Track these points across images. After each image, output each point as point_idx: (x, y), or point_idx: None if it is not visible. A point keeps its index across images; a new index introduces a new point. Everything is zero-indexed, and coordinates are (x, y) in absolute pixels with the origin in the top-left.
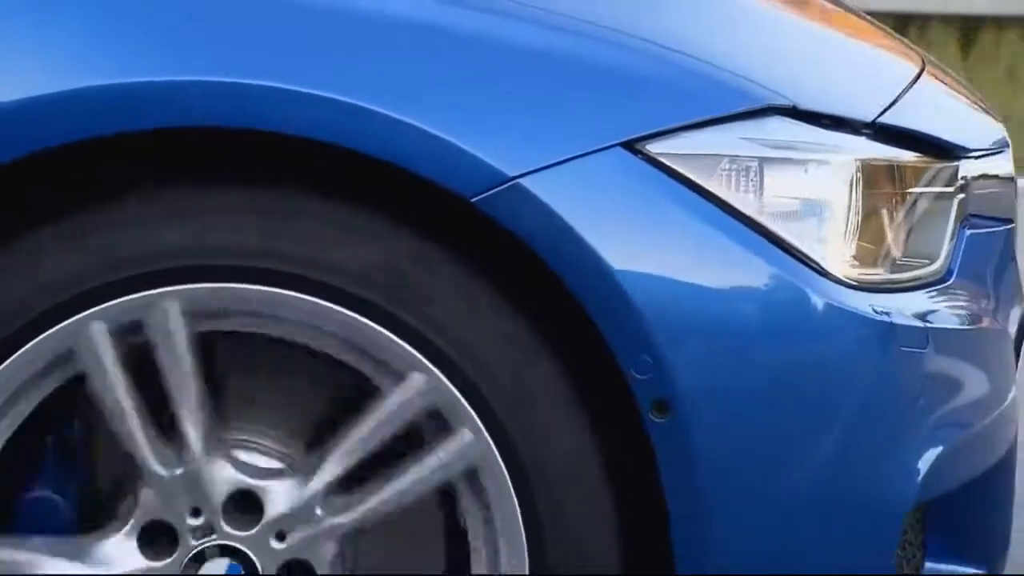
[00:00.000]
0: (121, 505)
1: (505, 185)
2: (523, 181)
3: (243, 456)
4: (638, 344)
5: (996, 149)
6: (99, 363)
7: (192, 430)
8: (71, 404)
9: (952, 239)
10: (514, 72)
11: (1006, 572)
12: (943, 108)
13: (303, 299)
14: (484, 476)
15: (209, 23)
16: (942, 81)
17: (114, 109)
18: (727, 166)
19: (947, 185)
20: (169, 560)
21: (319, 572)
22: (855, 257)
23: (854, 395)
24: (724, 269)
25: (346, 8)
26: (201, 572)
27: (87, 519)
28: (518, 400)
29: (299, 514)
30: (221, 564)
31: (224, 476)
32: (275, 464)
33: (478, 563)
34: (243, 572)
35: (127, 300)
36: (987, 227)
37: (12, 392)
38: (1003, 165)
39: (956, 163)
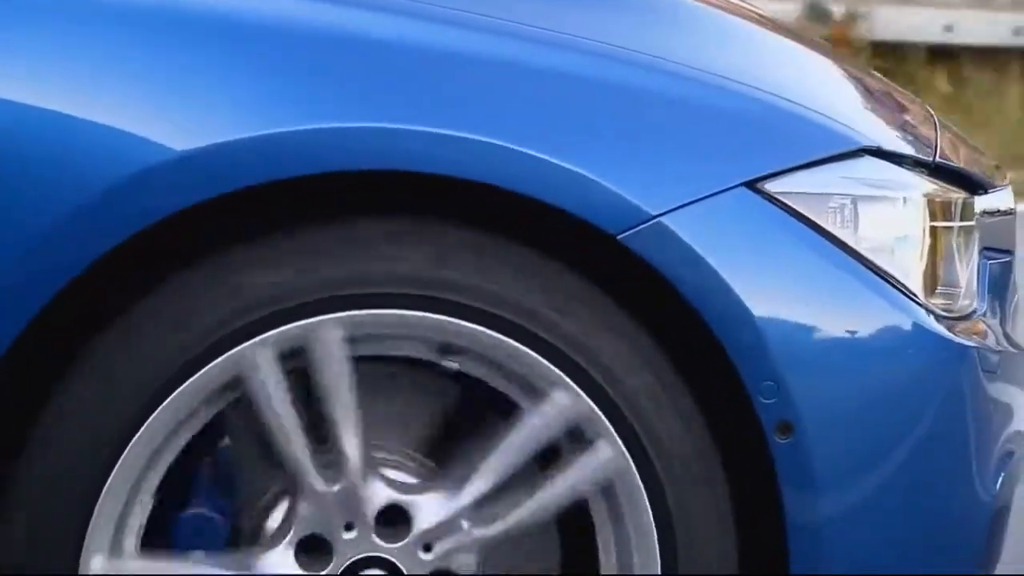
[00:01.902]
0: (277, 520)
1: (649, 223)
2: (664, 219)
3: (391, 473)
4: (763, 370)
5: (1002, 186)
6: (266, 389)
7: (351, 449)
8: (221, 426)
9: (978, 270)
10: (650, 117)
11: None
12: (960, 149)
13: (467, 327)
14: (619, 489)
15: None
16: (946, 126)
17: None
18: (832, 203)
19: (973, 219)
20: (325, 572)
21: None
22: (927, 287)
23: (951, 416)
24: (838, 300)
25: (513, 61)
26: None
27: (241, 535)
28: (654, 424)
29: (446, 526)
30: (374, 573)
31: (376, 492)
32: (418, 480)
33: (608, 566)
34: None
35: (292, 327)
36: (997, 258)
37: (186, 414)
38: (1006, 200)
39: (980, 198)
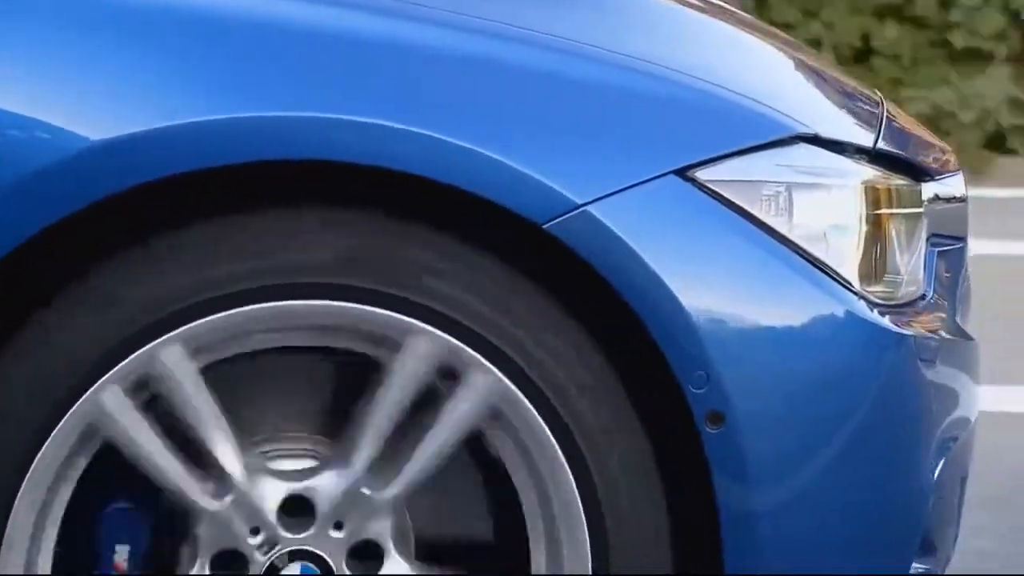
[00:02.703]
0: (186, 545)
1: (575, 212)
2: (590, 208)
3: (280, 465)
4: (694, 360)
5: (951, 173)
6: (121, 425)
7: (228, 460)
8: None
9: (925, 257)
10: (577, 105)
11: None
12: (907, 136)
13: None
14: (543, 469)
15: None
16: (897, 115)
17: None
18: (765, 191)
19: (920, 206)
20: (291, 535)
21: (385, 547)
22: (864, 275)
23: (885, 404)
24: (769, 288)
25: (435, 48)
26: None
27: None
28: (581, 410)
29: (348, 500)
30: (295, 568)
31: (269, 490)
32: (310, 463)
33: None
34: (318, 571)
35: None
36: (947, 245)
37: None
38: (957, 187)
39: (928, 185)
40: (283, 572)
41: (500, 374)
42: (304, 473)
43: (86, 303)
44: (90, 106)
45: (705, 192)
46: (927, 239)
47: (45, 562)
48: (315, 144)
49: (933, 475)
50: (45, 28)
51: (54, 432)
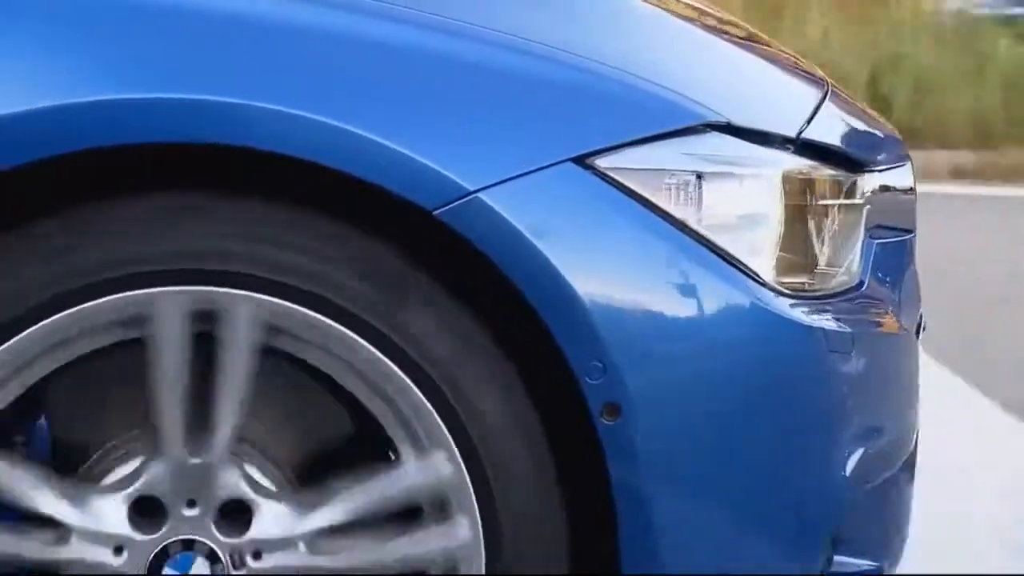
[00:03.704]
0: (123, 468)
1: (465, 199)
2: (482, 195)
3: (250, 470)
4: (590, 351)
5: (898, 163)
6: (165, 340)
7: (223, 428)
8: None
9: (862, 249)
10: (473, 90)
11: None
12: (849, 125)
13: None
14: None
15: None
16: (845, 101)
17: None
18: (670, 180)
19: (857, 197)
20: (151, 537)
21: (249, 498)
22: (782, 266)
23: (789, 397)
24: (670, 279)
25: (319, 29)
26: (176, 558)
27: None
28: (476, 417)
29: (283, 542)
30: (195, 560)
31: (230, 481)
32: (273, 487)
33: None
34: (195, 553)
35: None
36: (890, 237)
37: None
38: (904, 178)
39: (864, 176)
40: (183, 554)
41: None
42: (134, 474)
43: None
44: None
45: (605, 180)
46: (867, 230)
47: None
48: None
49: (844, 470)
50: None
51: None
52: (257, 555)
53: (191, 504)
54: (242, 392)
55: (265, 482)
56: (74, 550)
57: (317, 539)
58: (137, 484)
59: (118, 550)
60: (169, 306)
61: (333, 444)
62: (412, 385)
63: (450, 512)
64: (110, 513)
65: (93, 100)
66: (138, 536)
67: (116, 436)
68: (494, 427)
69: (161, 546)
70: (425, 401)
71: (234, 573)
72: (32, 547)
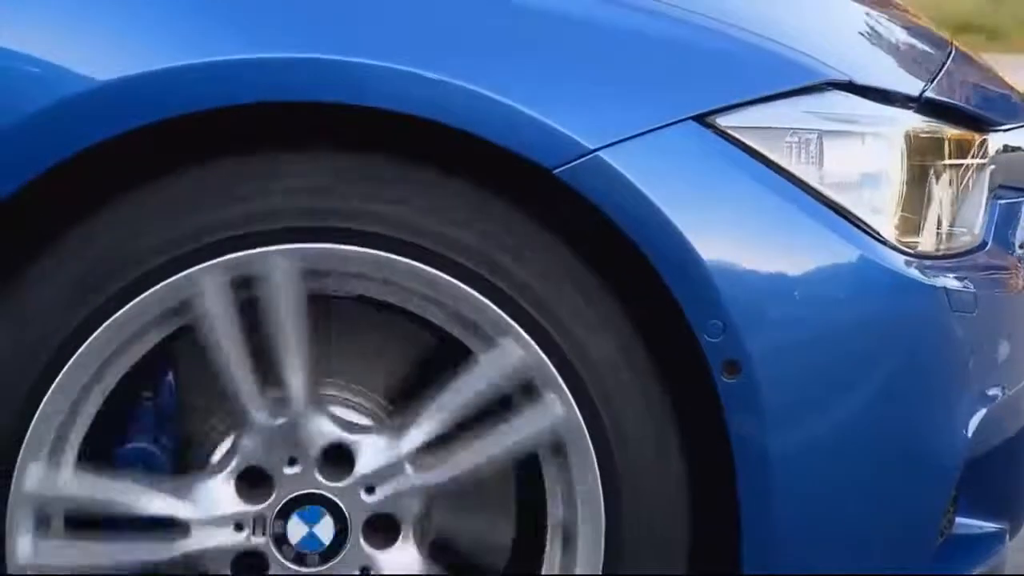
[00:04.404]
0: (222, 451)
1: (586, 157)
2: (602, 153)
3: (338, 411)
4: (710, 309)
5: (1020, 124)
6: (213, 315)
7: (295, 383)
8: (165, 359)
9: (986, 209)
10: (593, 50)
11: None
12: (973, 85)
13: (405, 263)
14: (567, 438)
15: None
16: (969, 61)
17: None
18: (791, 139)
19: (982, 157)
20: (264, 504)
21: (404, 527)
22: (904, 226)
23: (911, 356)
24: (790, 238)
25: None
26: (293, 518)
27: (183, 469)
28: (597, 363)
29: (390, 470)
30: (295, 522)
31: (321, 429)
32: (367, 421)
33: (555, 522)
34: (333, 521)
35: (243, 255)
36: (1013, 197)
37: (128, 336)
38: None
39: (989, 135)
40: (289, 532)
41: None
42: (358, 428)
43: None
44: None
45: (726, 139)
46: (991, 190)
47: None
48: (328, 87)
49: (967, 430)
50: None
51: (145, 294)
52: (370, 490)
53: (292, 462)
54: (304, 343)
55: (356, 419)
56: (196, 540)
57: (423, 456)
58: (236, 459)
59: (238, 527)
60: (212, 280)
61: (416, 363)
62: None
63: (538, 391)
64: (221, 494)
65: (242, 58)
66: (252, 508)
67: (356, 383)
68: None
69: (276, 510)
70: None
71: (353, 513)
72: (153, 549)
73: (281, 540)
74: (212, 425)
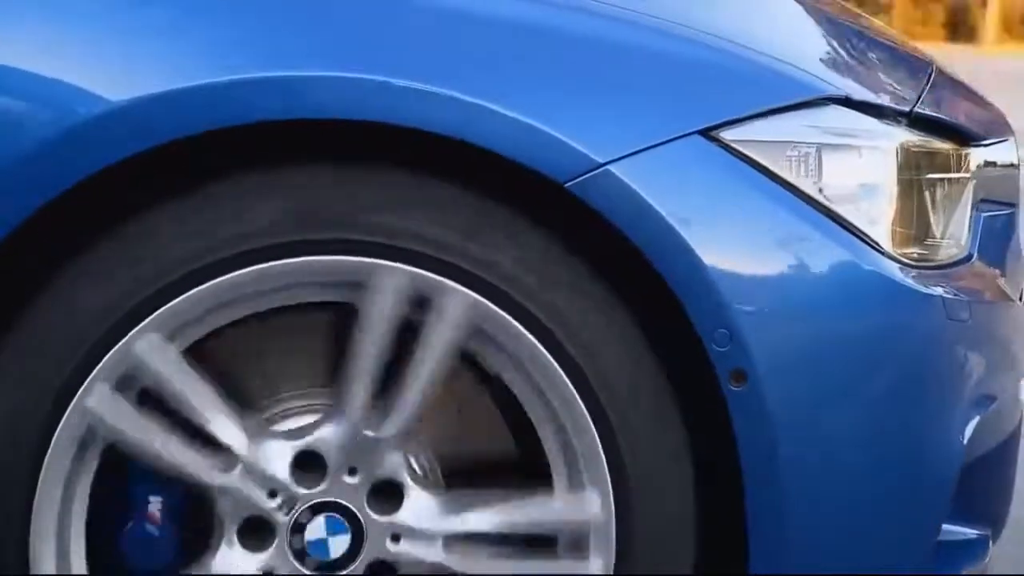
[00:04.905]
0: (212, 521)
1: (596, 171)
2: (612, 167)
3: (285, 426)
4: (716, 318)
5: (1002, 138)
6: (114, 429)
7: (227, 432)
8: None
9: (971, 221)
10: (602, 65)
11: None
12: (956, 101)
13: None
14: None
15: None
16: (950, 79)
17: None
18: (792, 152)
19: (966, 170)
20: (306, 491)
21: (404, 482)
22: (898, 237)
23: (912, 363)
24: (794, 248)
25: (456, 9)
26: (308, 538)
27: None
28: (607, 371)
29: (353, 445)
30: (318, 522)
31: (276, 452)
32: (312, 417)
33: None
34: (343, 519)
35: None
36: (995, 211)
37: None
38: (1008, 153)
39: (972, 150)
40: (309, 526)
41: (577, 394)
42: (308, 428)
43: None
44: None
45: (730, 152)
46: (974, 204)
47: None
48: (340, 103)
49: (963, 437)
50: None
51: (54, 438)
52: (396, 538)
53: (352, 472)
54: (431, 382)
55: (423, 472)
56: (234, 479)
57: (455, 540)
58: (308, 439)
59: (272, 493)
60: (388, 280)
61: (491, 459)
62: (553, 362)
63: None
64: (277, 457)
65: (271, 76)
66: (295, 487)
67: (290, 389)
68: (626, 394)
69: (310, 503)
70: (569, 384)
71: (352, 502)
72: (199, 465)
73: (311, 562)
74: (289, 396)
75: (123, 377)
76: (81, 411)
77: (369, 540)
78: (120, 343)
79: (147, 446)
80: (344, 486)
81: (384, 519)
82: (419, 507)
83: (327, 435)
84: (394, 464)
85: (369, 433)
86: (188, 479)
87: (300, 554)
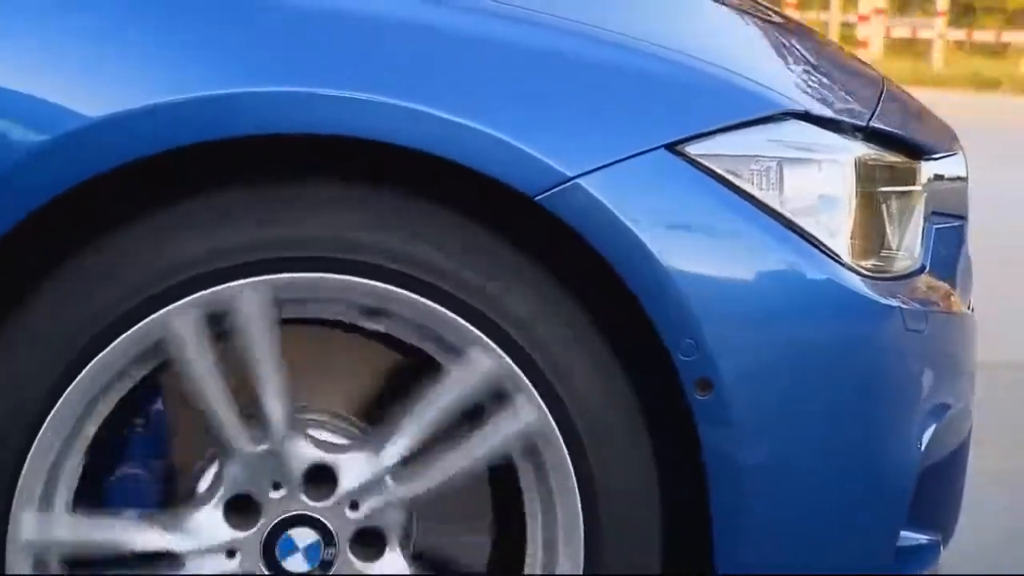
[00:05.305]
0: (208, 481)
1: (566, 185)
2: (581, 180)
3: (317, 433)
4: (683, 329)
5: (951, 152)
6: (188, 353)
7: (274, 411)
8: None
9: (923, 233)
10: (571, 81)
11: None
12: (906, 116)
13: (379, 287)
14: (543, 447)
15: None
16: (900, 94)
17: None
18: (754, 166)
19: (918, 183)
20: (254, 530)
21: (389, 539)
22: (856, 248)
23: (871, 373)
24: (758, 260)
25: (425, 24)
26: (281, 541)
27: (176, 497)
28: (571, 379)
29: (371, 485)
30: (301, 533)
31: (302, 452)
32: (344, 440)
33: (534, 526)
34: (321, 540)
35: (215, 291)
36: (946, 223)
37: (112, 375)
38: (957, 167)
39: (923, 163)
40: (288, 531)
41: (547, 411)
42: (337, 447)
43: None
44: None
45: (695, 166)
46: (926, 217)
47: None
48: (309, 119)
49: (920, 444)
50: None
51: (124, 335)
52: (354, 506)
53: (276, 487)
54: (281, 371)
55: (333, 439)
56: (191, 568)
57: (401, 469)
58: (223, 488)
59: (230, 553)
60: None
61: (386, 377)
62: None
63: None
64: (211, 523)
65: (250, 91)
66: (242, 534)
67: (331, 405)
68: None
69: (266, 533)
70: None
71: (340, 532)
72: (235, 424)
73: (273, 563)
74: (199, 452)
75: (215, 314)
76: (155, 327)
77: (334, 527)
78: (234, 283)
79: (201, 382)
80: (281, 501)
81: (331, 500)
82: (352, 469)
83: (353, 462)
84: (303, 453)
85: (390, 482)
86: (218, 428)
87: (270, 553)
